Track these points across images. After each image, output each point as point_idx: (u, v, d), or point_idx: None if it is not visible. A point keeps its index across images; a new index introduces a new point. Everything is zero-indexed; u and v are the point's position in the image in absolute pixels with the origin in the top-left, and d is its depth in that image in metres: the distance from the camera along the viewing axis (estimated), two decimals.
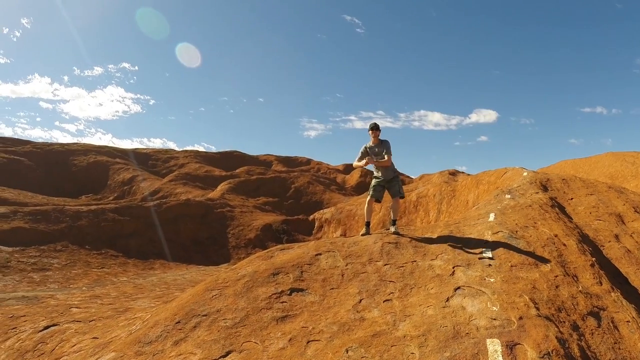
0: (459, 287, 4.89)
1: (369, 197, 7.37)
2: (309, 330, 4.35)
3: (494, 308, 4.36)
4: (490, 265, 5.50)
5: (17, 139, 45.52)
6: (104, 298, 12.53)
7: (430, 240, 6.56)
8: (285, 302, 4.87)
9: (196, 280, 16.40)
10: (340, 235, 27.40)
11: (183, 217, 25.93)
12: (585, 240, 8.25)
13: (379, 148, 7.21)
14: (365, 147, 7.29)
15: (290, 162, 62.61)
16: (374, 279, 5.37)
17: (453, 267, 5.48)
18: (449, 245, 6.28)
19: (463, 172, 34.93)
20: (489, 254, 5.88)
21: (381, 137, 7.24)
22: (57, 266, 17.32)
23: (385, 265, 5.70)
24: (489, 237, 6.65)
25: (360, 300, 4.83)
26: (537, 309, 4.43)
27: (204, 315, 4.86)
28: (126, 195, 40.01)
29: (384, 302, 4.78)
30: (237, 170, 49.34)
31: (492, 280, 5.03)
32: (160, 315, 5.39)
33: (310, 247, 6.38)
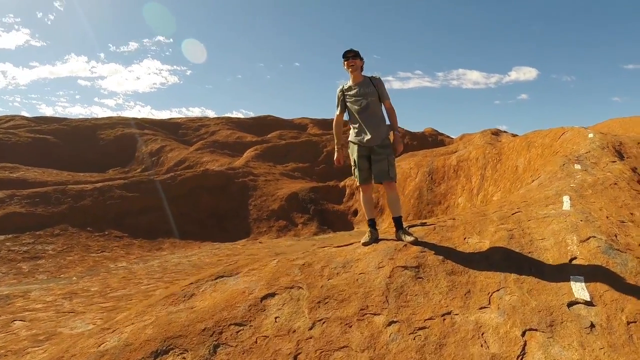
0: None
1: (358, 184, 4.31)
2: None
3: None
4: (592, 327, 2.72)
5: (43, 117, 44.27)
6: (78, 296, 10.49)
7: (478, 258, 3.71)
8: None
9: (201, 265, 14.20)
10: (375, 204, 24.54)
11: (200, 189, 23.66)
12: None
13: (364, 89, 4.13)
14: (342, 92, 4.24)
15: (326, 124, 58.89)
16: None
17: (522, 332, 2.71)
18: (510, 269, 3.47)
19: (506, 132, 31.33)
20: (585, 294, 3.06)
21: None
22: (52, 253, 15.50)
23: (391, 324, 2.93)
24: (575, 248, 3.80)
25: None
26: None
27: None
28: (154, 166, 38.39)
29: None
30: (268, 136, 46.65)
31: None
32: None
33: (264, 276, 3.66)
